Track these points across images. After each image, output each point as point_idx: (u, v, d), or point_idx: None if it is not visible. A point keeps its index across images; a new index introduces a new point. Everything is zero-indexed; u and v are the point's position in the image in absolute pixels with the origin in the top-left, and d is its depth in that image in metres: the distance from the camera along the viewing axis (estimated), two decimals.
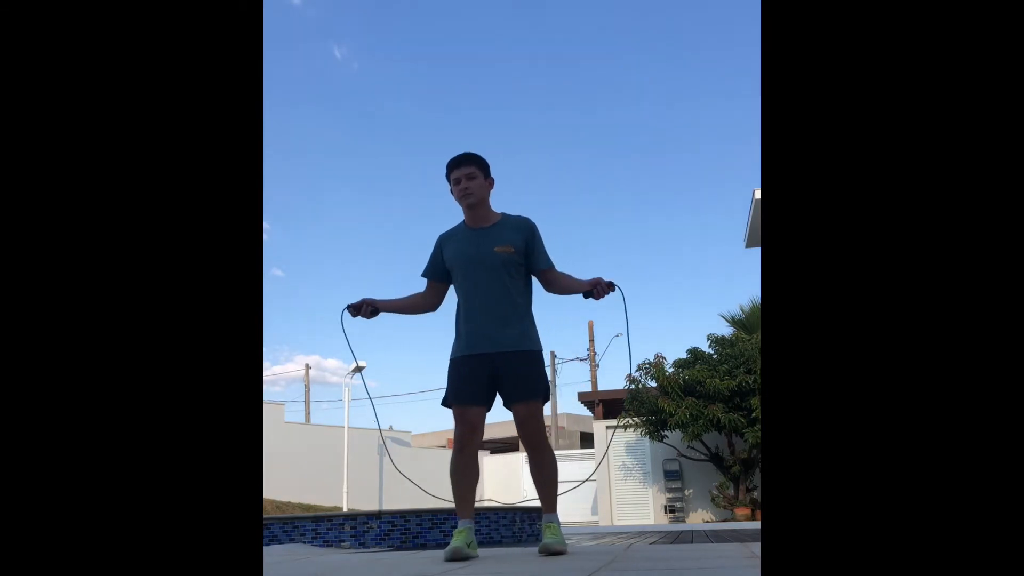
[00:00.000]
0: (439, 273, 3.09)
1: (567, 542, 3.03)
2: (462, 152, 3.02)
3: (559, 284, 3.06)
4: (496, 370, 2.90)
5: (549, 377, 3.06)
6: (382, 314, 3.08)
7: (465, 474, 2.95)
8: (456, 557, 2.68)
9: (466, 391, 2.92)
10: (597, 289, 2.98)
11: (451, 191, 3.06)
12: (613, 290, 2.99)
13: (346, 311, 3.05)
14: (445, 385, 2.98)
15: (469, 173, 2.99)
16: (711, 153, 33.82)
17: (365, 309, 3.04)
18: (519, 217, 3.06)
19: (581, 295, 3.02)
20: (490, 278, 2.94)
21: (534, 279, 3.08)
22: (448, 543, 2.81)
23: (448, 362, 3.01)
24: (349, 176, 34.46)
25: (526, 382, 2.90)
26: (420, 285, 3.14)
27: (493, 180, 3.07)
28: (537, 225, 3.05)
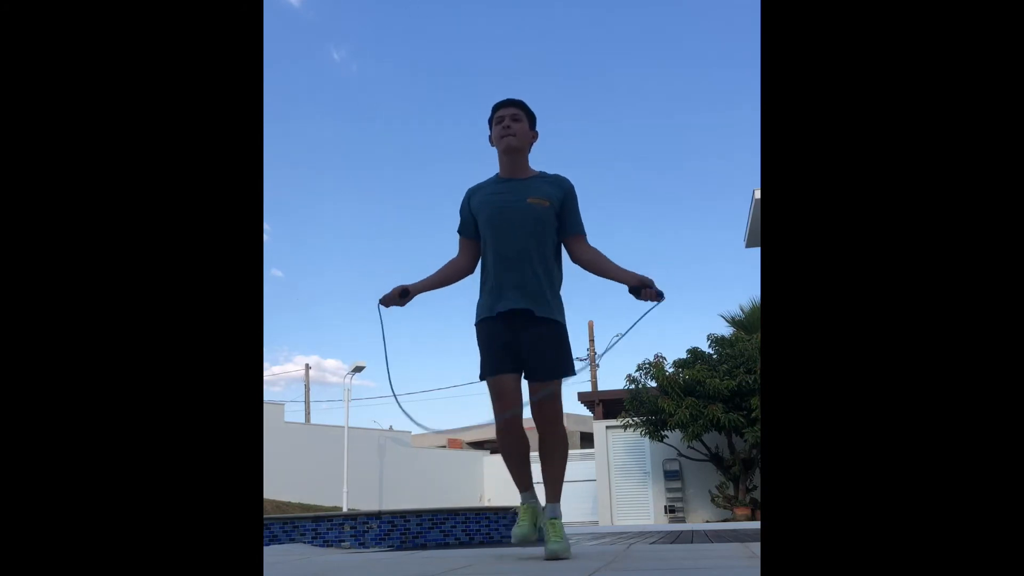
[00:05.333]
0: (470, 228, 2.81)
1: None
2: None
3: (595, 261, 2.72)
4: (519, 333, 2.64)
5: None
6: (390, 310, 2.79)
7: (515, 450, 2.72)
8: (522, 543, 2.62)
9: (496, 359, 2.65)
10: (647, 291, 2.60)
11: (489, 136, 2.81)
12: (662, 299, 2.60)
13: (380, 306, 2.76)
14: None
15: (515, 115, 2.76)
16: (711, 153, 33.84)
17: (396, 296, 2.74)
18: (557, 175, 2.80)
19: (627, 288, 2.64)
20: (521, 231, 2.66)
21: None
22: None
23: (474, 327, 2.74)
24: (348, 177, 34.57)
25: (553, 357, 2.63)
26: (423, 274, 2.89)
27: (537, 134, 2.82)
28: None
